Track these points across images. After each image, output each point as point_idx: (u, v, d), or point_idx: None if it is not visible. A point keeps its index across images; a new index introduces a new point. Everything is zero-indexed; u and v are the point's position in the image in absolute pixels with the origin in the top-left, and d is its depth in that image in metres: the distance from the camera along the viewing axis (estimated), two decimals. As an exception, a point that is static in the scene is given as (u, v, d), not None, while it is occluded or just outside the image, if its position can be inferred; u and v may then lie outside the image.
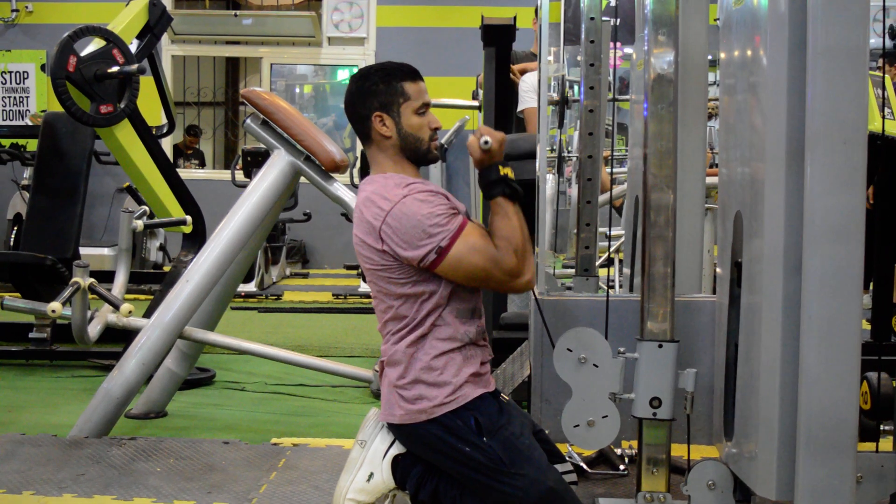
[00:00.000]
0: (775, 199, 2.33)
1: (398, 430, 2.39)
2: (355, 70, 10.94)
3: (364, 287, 7.73)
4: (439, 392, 2.31)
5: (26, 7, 10.04)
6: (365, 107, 2.40)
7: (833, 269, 2.22)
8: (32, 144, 7.95)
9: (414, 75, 2.43)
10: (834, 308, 2.22)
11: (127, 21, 5.23)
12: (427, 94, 2.43)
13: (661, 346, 2.49)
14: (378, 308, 2.40)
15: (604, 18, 4.18)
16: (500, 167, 2.33)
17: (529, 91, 5.27)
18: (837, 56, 2.22)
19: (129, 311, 3.56)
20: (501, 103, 4.61)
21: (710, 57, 3.64)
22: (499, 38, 4.41)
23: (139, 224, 4.47)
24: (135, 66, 4.96)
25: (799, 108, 2.27)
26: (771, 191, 2.35)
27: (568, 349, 2.53)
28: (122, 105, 4.96)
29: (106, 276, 5.44)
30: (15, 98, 10.18)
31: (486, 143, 2.31)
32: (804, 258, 2.25)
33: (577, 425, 2.54)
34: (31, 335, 5.09)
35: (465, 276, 2.30)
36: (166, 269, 8.24)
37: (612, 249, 5.31)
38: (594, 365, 2.52)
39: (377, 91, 2.39)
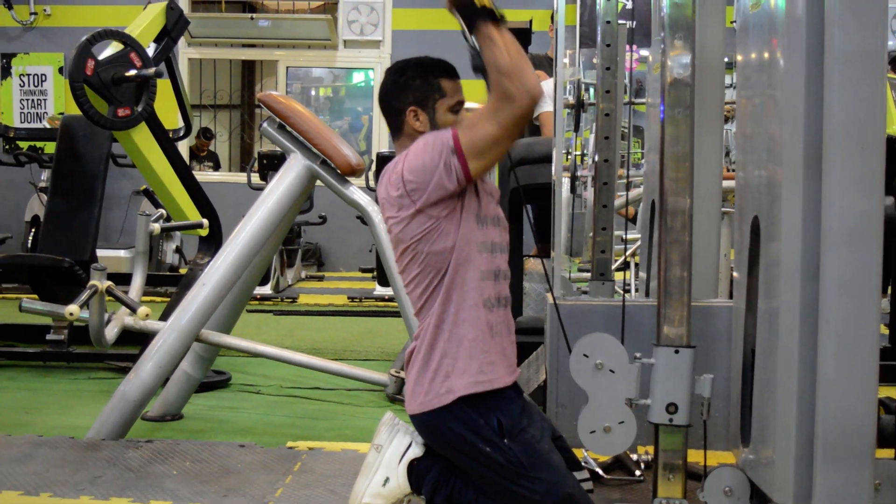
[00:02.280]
0: (793, 204, 2.32)
1: (420, 423, 2.38)
2: (371, 73, 10.79)
3: (379, 290, 7.73)
4: (464, 368, 2.30)
5: (44, 10, 10.10)
6: (400, 100, 2.40)
7: (851, 274, 2.21)
8: (50, 147, 8.01)
9: (451, 72, 2.42)
10: (851, 313, 2.21)
11: (144, 25, 5.26)
12: (462, 92, 2.43)
13: (677, 351, 2.49)
14: (414, 294, 2.40)
15: (620, 21, 4.17)
16: None
17: (545, 97, 5.27)
18: (855, 60, 2.21)
19: (146, 315, 3.57)
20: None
21: (726, 59, 3.63)
22: (515, 42, 4.39)
23: (156, 227, 4.49)
24: (152, 70, 4.98)
25: (816, 112, 2.26)
26: (788, 195, 2.34)
27: (584, 355, 2.53)
28: (140, 108, 4.98)
29: (122, 279, 5.46)
30: (33, 100, 10.25)
31: None
32: (822, 263, 2.24)
33: (594, 431, 2.53)
34: (48, 337, 5.12)
35: (490, 146, 2.26)
36: (182, 271, 8.28)
37: (628, 253, 5.30)
38: (610, 370, 2.52)
39: (413, 86, 2.39)
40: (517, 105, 2.19)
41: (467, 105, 2.51)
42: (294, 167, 3.89)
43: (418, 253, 2.33)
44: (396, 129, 2.44)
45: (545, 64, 5.71)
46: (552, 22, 5.75)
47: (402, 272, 2.42)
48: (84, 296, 3.55)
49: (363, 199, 4.04)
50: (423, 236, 2.31)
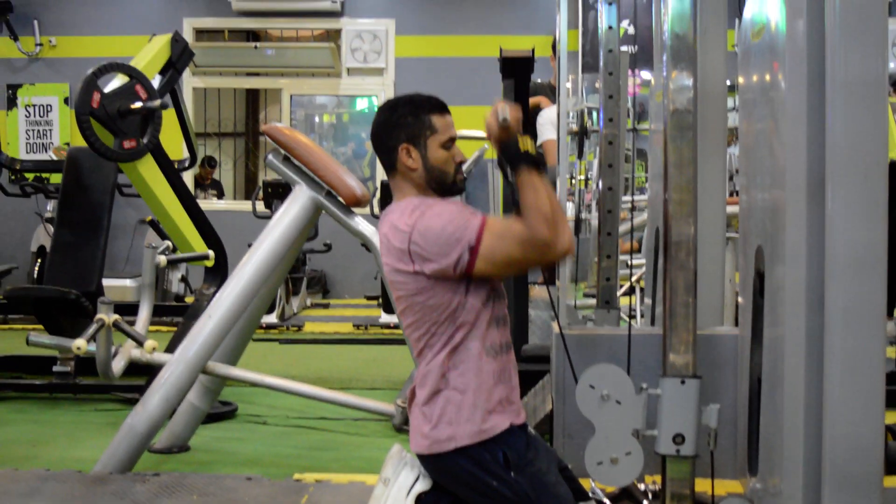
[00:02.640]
0: (796, 231, 2.32)
1: (425, 460, 2.38)
2: (374, 100, 10.80)
3: (385, 317, 7.73)
4: (468, 417, 2.30)
5: (50, 41, 10.17)
6: (392, 138, 2.41)
7: (855, 302, 2.21)
8: (56, 177, 8.04)
9: (442, 108, 2.43)
10: (857, 340, 2.21)
11: (150, 57, 5.29)
12: (454, 127, 2.43)
13: (683, 382, 2.48)
14: (412, 336, 2.39)
15: (622, 48, 4.19)
16: (519, 139, 2.32)
17: (547, 124, 5.31)
18: (856, 87, 2.23)
19: (153, 348, 3.58)
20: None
21: (728, 82, 3.64)
22: (518, 71, 4.42)
23: (162, 260, 4.50)
24: (158, 102, 5.01)
25: (819, 141, 2.27)
26: (792, 222, 2.35)
27: (591, 385, 2.52)
28: (145, 140, 5.00)
29: (128, 308, 5.47)
30: (39, 131, 10.29)
31: (505, 119, 2.31)
32: (826, 291, 2.24)
33: (601, 462, 2.53)
34: (54, 369, 5.11)
35: (502, 264, 2.28)
36: (188, 300, 8.28)
37: (633, 279, 5.30)
38: (617, 402, 2.51)
39: (405, 123, 2.40)
40: (549, 252, 2.25)
41: (459, 133, 2.52)
42: (299, 199, 3.90)
43: (414, 303, 2.34)
44: (389, 166, 2.45)
45: (547, 91, 5.74)
46: (553, 51, 5.80)
47: (399, 314, 2.42)
48: (91, 330, 3.56)
49: (368, 229, 4.04)
50: (418, 292, 2.32)
